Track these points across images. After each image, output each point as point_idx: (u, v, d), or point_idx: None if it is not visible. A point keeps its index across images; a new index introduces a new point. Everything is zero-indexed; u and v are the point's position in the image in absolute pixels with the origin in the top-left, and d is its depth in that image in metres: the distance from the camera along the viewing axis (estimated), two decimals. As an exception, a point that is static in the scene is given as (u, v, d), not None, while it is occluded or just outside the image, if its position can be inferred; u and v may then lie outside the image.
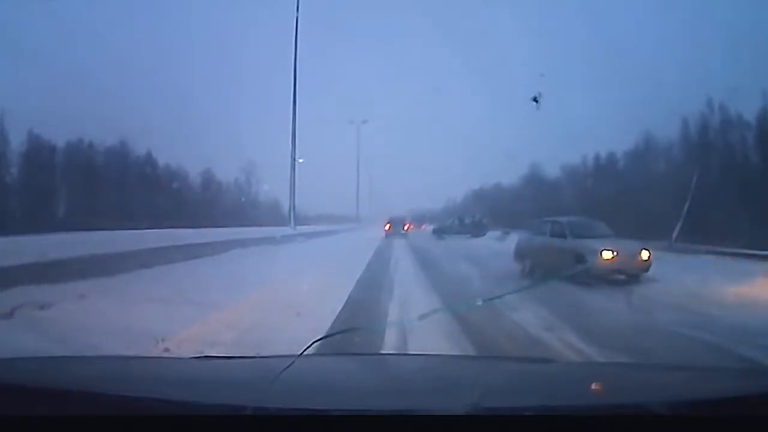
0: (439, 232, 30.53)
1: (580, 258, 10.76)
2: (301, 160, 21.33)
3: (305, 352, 1.76)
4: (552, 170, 28.72)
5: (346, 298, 8.34)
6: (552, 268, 11.33)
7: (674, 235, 9.11)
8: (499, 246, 20.48)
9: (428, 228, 32.96)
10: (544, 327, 6.54)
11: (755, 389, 1.58)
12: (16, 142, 20.29)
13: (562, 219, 12.30)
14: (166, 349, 4.84)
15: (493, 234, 26.96)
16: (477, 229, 28.79)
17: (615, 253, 10.67)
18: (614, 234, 12.01)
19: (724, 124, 20.56)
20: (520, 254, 13.14)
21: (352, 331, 4.72)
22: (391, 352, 4.93)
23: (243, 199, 24.46)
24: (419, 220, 35.71)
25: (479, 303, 6.90)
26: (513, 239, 22.71)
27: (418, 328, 5.56)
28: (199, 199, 23.19)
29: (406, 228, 32.02)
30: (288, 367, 1.59)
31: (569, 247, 11.19)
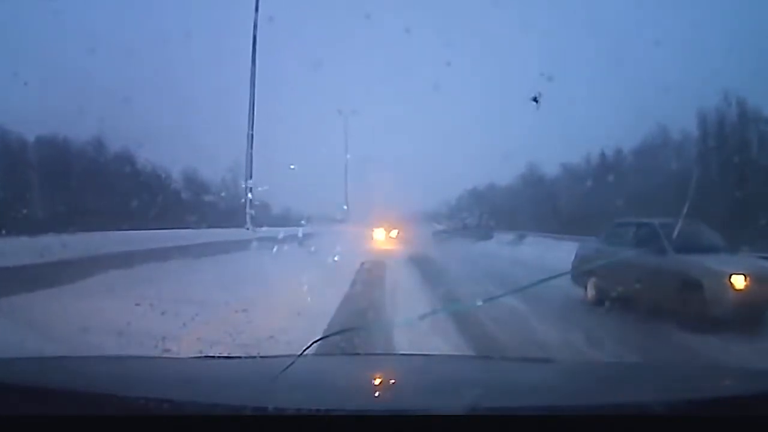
0: (439, 235, 27.79)
1: (692, 286, 6.98)
2: (292, 167, 20.20)
3: (305, 352, 1.76)
4: (551, 169, 28.13)
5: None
6: (641, 297, 7.57)
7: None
8: (518, 254, 17.55)
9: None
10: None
11: (755, 389, 1.58)
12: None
13: (653, 222, 8.15)
14: (166, 349, 4.84)
15: (501, 238, 24.05)
16: (483, 232, 25.62)
17: (748, 279, 6.80)
18: (728, 245, 8.19)
19: (741, 119, 20.09)
20: (582, 273, 8.94)
21: (352, 331, 4.73)
22: (391, 352, 4.94)
23: (223, 194, 22.58)
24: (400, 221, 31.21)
25: (479, 303, 6.95)
26: (529, 244, 20.06)
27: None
28: (178, 199, 21.73)
29: (403, 234, 28.65)
30: (288, 367, 1.59)
31: (672, 268, 7.31)
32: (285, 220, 23.36)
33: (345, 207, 30.85)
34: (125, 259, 9.62)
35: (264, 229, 16.79)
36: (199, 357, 2.82)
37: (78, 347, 5.07)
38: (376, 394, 1.75)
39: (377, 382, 2.02)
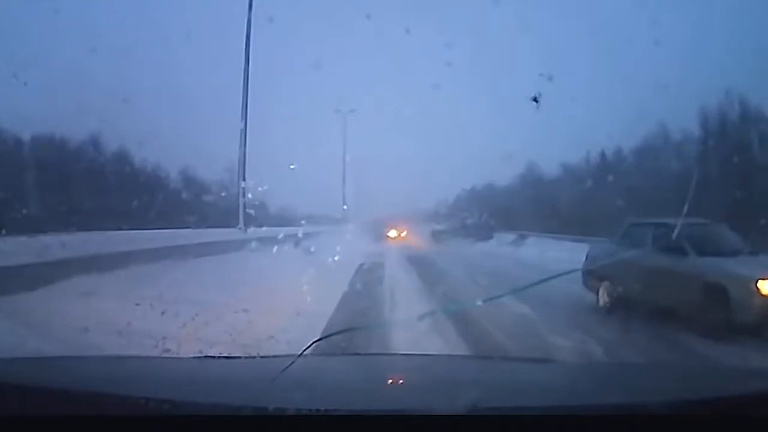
0: (438, 236, 27.11)
1: (716, 291, 6.49)
2: (293, 167, 19.82)
3: (305, 352, 1.76)
4: (551, 169, 27.99)
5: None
6: (659, 303, 7.22)
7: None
8: (522, 255, 17.25)
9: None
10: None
11: (755, 389, 1.58)
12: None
13: (672, 222, 7.19)
14: (167, 349, 4.85)
15: (502, 238, 23.45)
16: (483, 232, 24.97)
17: None
18: (749, 246, 7.61)
19: (743, 119, 19.95)
20: (594, 276, 8.43)
21: (352, 331, 4.73)
22: (391, 352, 4.95)
23: (223, 194, 22.23)
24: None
25: (479, 303, 6.94)
26: (531, 244, 19.65)
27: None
28: (175, 199, 21.42)
29: (402, 235, 28.45)
30: (288, 367, 1.59)
31: (693, 272, 6.83)
32: (284, 219, 23.22)
33: (345, 207, 30.77)
34: (98, 262, 8.45)
35: (264, 229, 16.32)
36: (199, 357, 2.82)
37: (66, 344, 5.03)
38: (376, 394, 1.75)
39: (377, 382, 2.01)
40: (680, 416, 1.31)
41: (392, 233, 29.04)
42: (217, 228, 16.10)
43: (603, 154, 24.38)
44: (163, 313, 5.77)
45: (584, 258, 9.03)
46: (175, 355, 4.38)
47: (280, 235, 14.35)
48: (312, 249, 15.48)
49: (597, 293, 8.35)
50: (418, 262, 15.93)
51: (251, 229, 15.68)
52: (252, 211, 16.87)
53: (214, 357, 2.73)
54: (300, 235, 17.11)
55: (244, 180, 16.47)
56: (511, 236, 23.12)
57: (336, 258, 13.45)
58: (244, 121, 16.50)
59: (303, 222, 23.18)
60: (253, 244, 13.06)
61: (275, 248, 12.54)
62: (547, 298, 7.56)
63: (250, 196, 16.99)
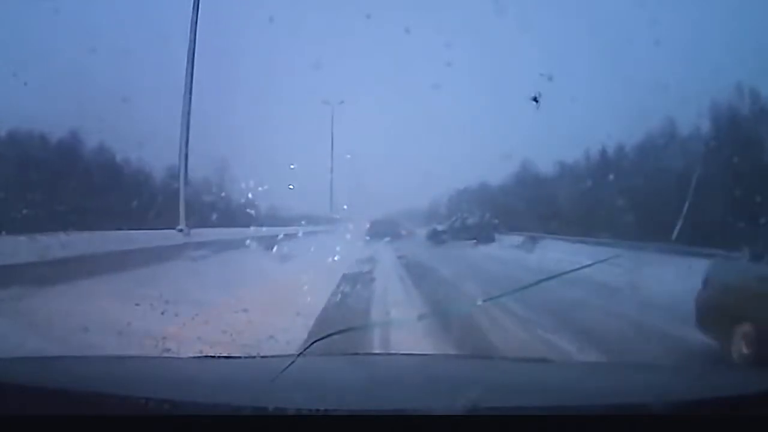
0: (436, 237, 25.34)
1: None
2: (293, 167, 19.38)
3: (305, 352, 1.76)
4: (547, 168, 27.67)
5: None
6: None
7: (674, 236, 5.58)
8: (533, 261, 14.87)
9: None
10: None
11: (755, 389, 1.58)
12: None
13: None
14: (167, 349, 4.85)
15: (504, 240, 21.92)
16: (485, 233, 23.02)
17: None
18: None
19: (748, 116, 19.74)
20: (721, 313, 5.34)
21: (352, 331, 4.73)
22: (391, 352, 4.95)
23: (223, 194, 21.29)
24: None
25: (479, 303, 6.95)
26: (543, 248, 17.45)
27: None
28: (174, 199, 21.16)
29: (404, 233, 27.70)
30: (288, 367, 1.59)
31: None
32: (280, 219, 23.13)
33: (345, 207, 30.58)
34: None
35: (264, 229, 15.83)
36: (199, 357, 2.82)
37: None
38: (376, 394, 1.75)
39: (377, 382, 2.01)
40: (680, 416, 1.31)
41: (393, 233, 29.02)
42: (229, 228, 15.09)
43: (603, 152, 24.07)
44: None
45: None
46: (175, 355, 4.38)
47: (279, 236, 12.74)
48: (311, 249, 14.95)
49: (729, 341, 5.13)
50: (418, 269, 14.01)
51: (188, 232, 12.89)
52: (252, 212, 16.56)
53: (214, 357, 2.73)
54: (300, 234, 16.54)
55: (186, 171, 14.36)
56: (515, 238, 21.49)
57: (336, 258, 12.36)
58: (187, 104, 13.75)
59: (303, 222, 23.04)
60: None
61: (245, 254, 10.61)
62: (636, 348, 5.59)
63: (250, 196, 16.74)
